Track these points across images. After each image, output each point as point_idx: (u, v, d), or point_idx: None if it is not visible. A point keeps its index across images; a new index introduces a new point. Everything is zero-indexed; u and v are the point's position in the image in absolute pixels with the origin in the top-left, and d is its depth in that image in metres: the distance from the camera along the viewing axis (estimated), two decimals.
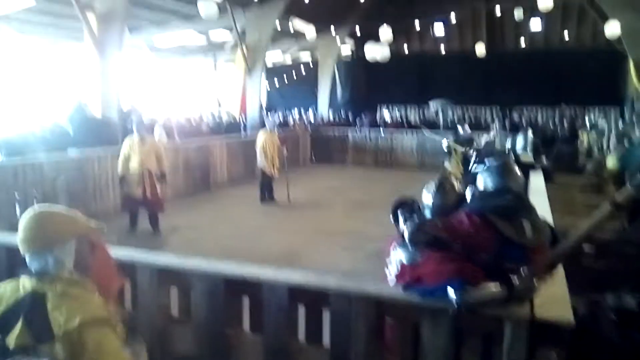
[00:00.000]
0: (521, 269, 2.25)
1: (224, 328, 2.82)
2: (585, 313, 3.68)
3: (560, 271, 2.67)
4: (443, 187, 2.77)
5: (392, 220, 2.82)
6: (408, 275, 2.42)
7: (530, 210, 2.52)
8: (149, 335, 2.94)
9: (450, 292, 2.18)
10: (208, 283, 2.77)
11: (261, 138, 9.98)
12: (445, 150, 7.25)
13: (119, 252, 3.05)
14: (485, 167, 2.67)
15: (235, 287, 2.77)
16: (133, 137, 7.56)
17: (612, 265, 4.92)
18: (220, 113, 16.49)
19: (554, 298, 2.31)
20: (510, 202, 2.44)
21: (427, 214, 2.76)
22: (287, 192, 10.01)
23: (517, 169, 2.69)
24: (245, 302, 2.91)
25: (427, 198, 2.77)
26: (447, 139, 7.52)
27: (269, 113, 18.16)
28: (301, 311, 2.76)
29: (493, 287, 2.21)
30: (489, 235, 2.35)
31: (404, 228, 2.54)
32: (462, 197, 2.84)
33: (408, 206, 2.82)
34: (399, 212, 2.75)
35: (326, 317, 2.65)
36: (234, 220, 8.76)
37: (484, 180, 2.64)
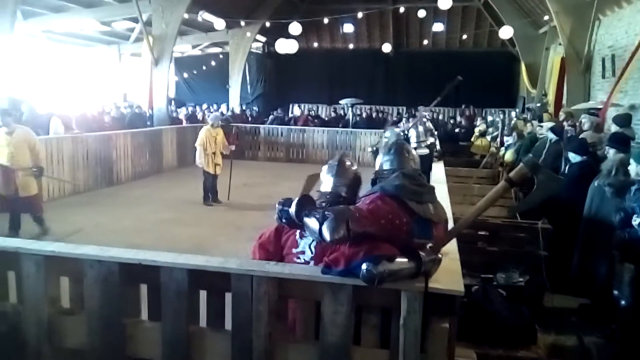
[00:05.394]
0: (427, 245, 2.33)
1: (120, 318, 2.68)
2: (478, 289, 3.92)
3: (454, 248, 2.81)
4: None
5: (296, 220, 2.46)
6: (326, 257, 2.38)
7: (432, 191, 2.59)
8: (36, 329, 2.74)
9: (364, 265, 2.18)
10: (101, 270, 2.62)
11: (201, 134, 9.37)
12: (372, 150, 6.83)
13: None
14: (384, 149, 2.67)
15: (132, 273, 2.64)
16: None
17: (504, 249, 5.27)
18: (128, 105, 15.74)
19: (447, 271, 2.42)
20: (418, 187, 2.47)
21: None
22: (228, 189, 9.67)
23: (413, 150, 2.71)
24: (143, 289, 2.79)
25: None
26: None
27: (208, 109, 17.61)
28: (202, 296, 2.69)
29: (404, 262, 2.26)
30: (404, 215, 2.37)
31: (323, 229, 2.26)
32: None
33: (309, 203, 2.50)
34: (303, 214, 2.42)
35: (228, 300, 2.60)
36: (139, 217, 8.40)
37: (384, 161, 2.63)
